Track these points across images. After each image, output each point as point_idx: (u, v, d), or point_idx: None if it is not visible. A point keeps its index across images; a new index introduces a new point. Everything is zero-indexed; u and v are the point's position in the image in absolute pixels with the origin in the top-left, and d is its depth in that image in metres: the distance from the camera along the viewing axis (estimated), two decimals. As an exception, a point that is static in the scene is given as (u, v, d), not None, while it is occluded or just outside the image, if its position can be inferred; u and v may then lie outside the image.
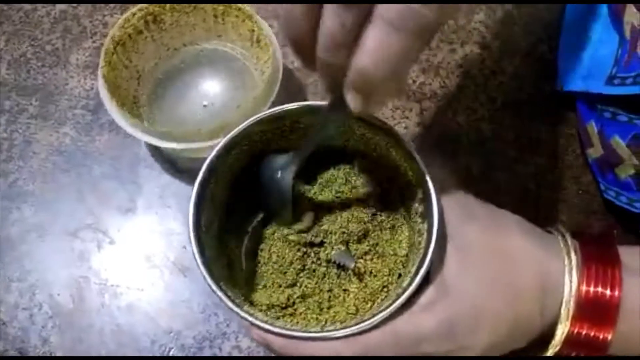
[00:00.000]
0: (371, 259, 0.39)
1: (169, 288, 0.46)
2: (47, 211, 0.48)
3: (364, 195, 0.39)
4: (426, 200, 0.34)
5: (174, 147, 0.42)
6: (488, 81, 0.52)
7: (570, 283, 0.31)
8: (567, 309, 0.31)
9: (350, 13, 0.23)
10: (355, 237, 0.39)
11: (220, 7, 0.46)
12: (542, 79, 0.52)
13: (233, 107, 0.49)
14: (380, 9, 0.23)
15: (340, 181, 0.40)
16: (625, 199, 0.45)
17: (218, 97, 0.50)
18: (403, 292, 0.31)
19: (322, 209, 0.39)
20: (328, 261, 0.39)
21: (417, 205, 0.36)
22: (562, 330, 0.32)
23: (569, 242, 0.33)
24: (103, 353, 0.44)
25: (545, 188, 0.49)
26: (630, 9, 0.43)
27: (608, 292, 0.31)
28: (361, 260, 0.38)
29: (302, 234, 0.39)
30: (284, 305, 0.37)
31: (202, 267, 0.32)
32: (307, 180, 0.40)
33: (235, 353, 0.44)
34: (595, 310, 0.31)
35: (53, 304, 0.46)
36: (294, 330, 0.32)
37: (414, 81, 0.52)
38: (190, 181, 0.49)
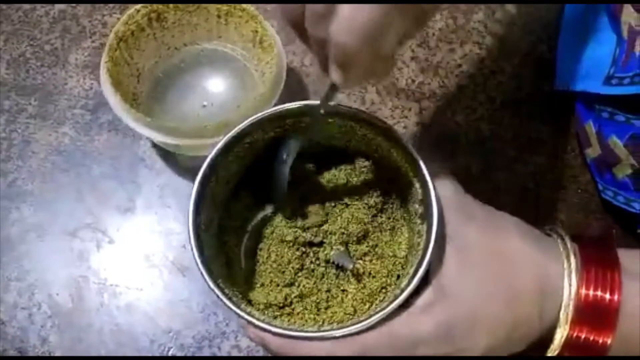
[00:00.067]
0: (370, 260, 0.39)
1: (168, 288, 0.46)
2: (46, 211, 0.48)
3: (364, 196, 0.39)
4: (426, 201, 0.34)
5: (178, 143, 0.42)
6: (487, 81, 0.53)
7: (570, 286, 0.31)
8: (566, 313, 0.31)
9: None
10: (355, 238, 0.39)
11: (224, 7, 0.46)
12: (541, 78, 0.52)
13: (232, 108, 0.49)
14: None
15: (341, 182, 0.40)
16: (623, 198, 0.45)
17: (217, 97, 0.50)
18: (401, 293, 0.31)
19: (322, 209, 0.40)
20: (327, 261, 0.39)
21: (417, 206, 0.36)
22: (561, 334, 0.31)
23: (568, 245, 0.33)
24: (102, 353, 0.44)
25: (545, 187, 0.49)
26: (628, 9, 0.43)
27: (607, 296, 0.31)
28: (360, 261, 0.39)
29: (301, 233, 0.39)
30: (281, 305, 0.37)
31: (200, 265, 0.32)
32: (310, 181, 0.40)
33: (235, 352, 0.44)
34: (594, 314, 0.31)
35: (52, 304, 0.46)
36: (291, 329, 0.32)
37: (413, 81, 0.53)
38: (190, 181, 0.49)
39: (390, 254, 0.39)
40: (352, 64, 0.26)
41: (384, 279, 0.38)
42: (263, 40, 0.45)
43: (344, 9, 0.24)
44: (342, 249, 0.38)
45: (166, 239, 0.48)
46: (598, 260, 0.32)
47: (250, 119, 0.35)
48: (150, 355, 0.44)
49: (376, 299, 0.37)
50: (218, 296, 0.32)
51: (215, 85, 0.50)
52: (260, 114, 0.36)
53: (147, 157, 0.50)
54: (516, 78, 0.52)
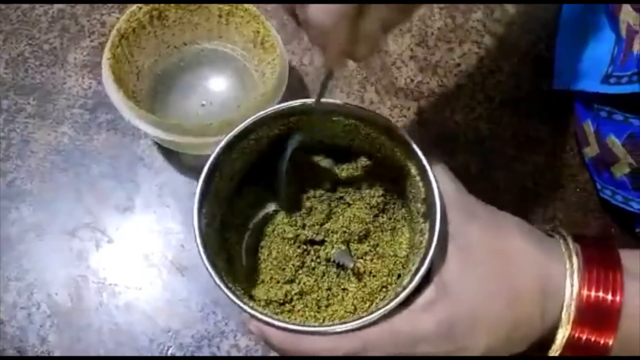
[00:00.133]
0: (371, 260, 0.39)
1: (167, 287, 0.46)
2: (45, 210, 0.48)
3: (366, 195, 0.39)
4: (429, 200, 0.34)
5: (180, 141, 0.42)
6: (486, 80, 0.53)
7: (572, 287, 0.31)
8: (568, 313, 0.31)
9: None
10: (356, 237, 0.39)
11: (226, 7, 0.46)
12: (539, 77, 0.52)
13: (232, 108, 0.49)
14: None
15: (344, 181, 0.40)
16: (621, 197, 0.45)
17: (217, 97, 0.50)
18: (403, 290, 0.31)
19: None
20: (328, 260, 0.39)
21: (419, 205, 0.36)
22: (562, 335, 0.31)
23: (571, 245, 0.33)
24: (101, 352, 0.44)
25: (543, 186, 0.49)
26: (626, 8, 0.43)
27: (609, 296, 0.31)
28: (361, 260, 0.39)
29: (302, 231, 0.39)
30: (282, 301, 0.37)
31: (205, 259, 0.32)
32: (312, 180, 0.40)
33: (234, 352, 0.45)
34: (596, 315, 0.31)
35: (51, 303, 0.46)
36: (294, 323, 0.32)
37: (412, 80, 0.53)
38: (189, 180, 0.49)
39: (391, 253, 0.39)
40: (328, 43, 0.27)
41: (384, 278, 0.38)
42: (265, 40, 0.45)
43: None
44: (343, 247, 0.39)
45: (165, 239, 0.48)
46: (600, 261, 0.32)
47: (255, 116, 0.35)
48: (149, 354, 0.44)
49: (376, 297, 0.37)
50: (222, 289, 0.31)
51: (215, 85, 0.50)
52: (265, 111, 0.36)
53: (146, 156, 0.50)
54: (515, 77, 0.52)
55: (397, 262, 0.38)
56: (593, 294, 0.31)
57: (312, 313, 0.37)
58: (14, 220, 0.48)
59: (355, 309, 0.37)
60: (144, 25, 0.46)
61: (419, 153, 0.34)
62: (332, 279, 0.39)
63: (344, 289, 0.38)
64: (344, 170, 0.40)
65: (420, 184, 0.35)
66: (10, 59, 0.53)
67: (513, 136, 0.51)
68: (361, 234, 0.39)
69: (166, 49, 0.49)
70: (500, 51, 0.54)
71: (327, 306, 0.38)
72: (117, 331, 0.45)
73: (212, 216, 0.36)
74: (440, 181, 0.34)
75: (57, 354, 0.44)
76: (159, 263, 0.47)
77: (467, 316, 0.31)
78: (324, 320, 0.37)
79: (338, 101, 0.36)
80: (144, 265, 0.47)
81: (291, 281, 0.38)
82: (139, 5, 0.45)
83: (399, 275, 0.38)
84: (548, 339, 0.32)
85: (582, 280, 0.31)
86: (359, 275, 0.38)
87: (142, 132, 0.48)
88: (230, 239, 0.39)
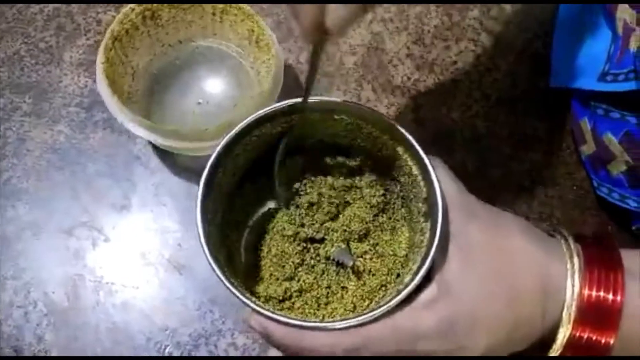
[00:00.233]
0: (370, 258, 0.39)
1: (164, 285, 0.46)
2: (41, 209, 0.48)
3: (367, 194, 0.39)
4: (430, 199, 0.34)
5: (176, 146, 0.42)
6: (482, 78, 0.53)
7: (572, 287, 0.31)
8: (568, 313, 0.31)
9: None
10: (356, 236, 0.39)
11: (220, 6, 0.46)
12: (536, 75, 0.52)
13: (228, 106, 0.49)
14: None
15: (345, 180, 0.40)
16: (618, 195, 0.45)
17: (213, 95, 0.49)
18: (405, 288, 0.31)
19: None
20: (327, 258, 0.39)
21: (420, 205, 0.36)
22: (563, 334, 0.31)
23: (572, 245, 0.33)
24: (98, 351, 0.44)
25: (540, 184, 0.49)
26: (623, 5, 0.43)
27: (610, 296, 0.31)
28: (360, 259, 0.39)
29: (302, 229, 0.39)
30: (281, 298, 0.37)
31: (207, 253, 0.32)
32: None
33: (231, 350, 0.45)
34: (597, 315, 0.31)
35: (48, 302, 0.45)
36: (295, 319, 0.32)
37: (409, 78, 0.53)
38: (186, 179, 0.49)
39: (391, 252, 0.39)
40: (299, 13, 0.28)
41: (383, 277, 0.38)
42: (259, 39, 0.45)
43: None
44: (343, 246, 0.39)
45: (162, 237, 0.48)
46: (601, 261, 0.32)
47: (256, 114, 0.35)
48: (146, 353, 0.44)
49: (375, 296, 0.38)
50: (225, 284, 0.31)
51: (211, 82, 0.50)
52: (265, 110, 0.36)
53: (143, 155, 0.50)
54: (511, 75, 0.53)
55: (397, 261, 0.38)
56: (594, 293, 0.31)
57: (312, 311, 0.37)
58: (10, 218, 0.48)
59: (355, 307, 0.37)
60: (137, 26, 0.45)
61: (421, 153, 0.34)
62: (332, 277, 0.39)
63: (343, 287, 0.38)
64: (345, 169, 0.40)
65: (422, 183, 0.35)
66: (6, 58, 0.53)
67: (510, 134, 0.51)
68: (361, 233, 0.39)
69: (161, 47, 0.49)
70: (497, 49, 0.54)
71: (326, 304, 0.38)
72: (114, 330, 0.45)
73: (213, 212, 0.36)
74: (441, 181, 0.34)
75: (53, 352, 0.44)
76: (155, 262, 0.47)
77: (467, 315, 0.31)
78: (323, 318, 0.37)
79: (340, 99, 0.36)
80: (141, 263, 0.47)
81: (291, 278, 0.38)
82: (132, 6, 0.44)
83: (398, 275, 0.38)
84: (549, 338, 0.32)
85: (583, 280, 0.31)
86: (358, 274, 0.38)
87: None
88: (231, 236, 0.39)
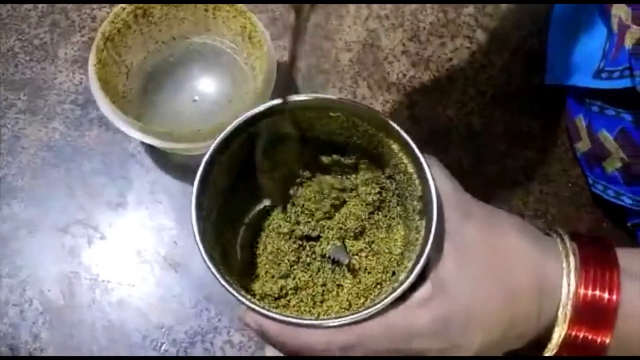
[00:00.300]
0: (366, 256, 0.39)
1: (160, 283, 0.46)
2: (37, 207, 0.48)
3: (363, 192, 0.40)
4: (425, 197, 0.34)
5: (169, 147, 0.42)
6: (477, 75, 0.53)
7: (568, 286, 0.31)
8: (564, 312, 0.31)
9: None
10: (352, 234, 0.39)
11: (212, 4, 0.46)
12: (531, 72, 0.52)
13: (223, 103, 0.49)
14: None
15: (341, 178, 0.40)
16: (613, 192, 0.45)
17: (208, 92, 0.49)
18: (400, 286, 0.31)
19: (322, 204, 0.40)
20: (323, 256, 0.39)
21: (415, 203, 0.36)
22: (559, 333, 0.31)
23: (568, 244, 0.33)
24: (94, 349, 0.44)
25: (535, 181, 0.49)
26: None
27: (606, 295, 0.31)
28: (356, 257, 0.39)
29: (298, 226, 0.39)
30: (276, 296, 0.37)
31: (202, 251, 0.32)
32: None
33: (227, 348, 0.45)
34: (593, 314, 0.31)
35: (44, 300, 0.45)
36: (291, 316, 0.32)
37: (404, 75, 0.53)
38: (181, 177, 0.49)
39: (386, 250, 0.39)
40: None
41: (379, 275, 0.38)
42: (252, 36, 0.45)
43: None
44: (338, 244, 0.39)
45: (158, 235, 0.48)
46: (597, 260, 0.32)
47: (251, 111, 0.35)
48: (142, 350, 0.44)
49: (371, 294, 0.38)
50: (220, 282, 0.31)
51: (206, 79, 0.50)
52: (261, 107, 0.35)
53: (138, 153, 0.50)
54: (506, 72, 0.52)
55: (392, 259, 0.39)
56: (590, 292, 0.31)
57: (307, 308, 0.37)
58: (6, 217, 0.48)
59: (350, 305, 0.37)
60: (129, 25, 0.45)
61: (417, 151, 0.34)
62: (327, 275, 0.39)
63: (338, 285, 0.39)
64: (341, 167, 0.40)
65: (417, 181, 0.35)
66: (0, 54, 0.53)
67: (505, 131, 0.51)
68: (357, 231, 0.39)
69: (154, 45, 0.49)
70: (492, 46, 0.54)
71: (321, 302, 0.38)
72: (110, 328, 0.45)
73: (209, 210, 0.36)
74: (437, 179, 0.34)
75: (49, 350, 0.44)
76: (151, 259, 0.47)
77: (462, 313, 0.31)
78: (318, 316, 0.37)
79: (335, 97, 0.36)
80: (137, 261, 0.47)
81: (286, 276, 0.38)
82: (123, 5, 0.44)
83: (394, 273, 0.38)
84: (544, 337, 0.32)
85: (579, 279, 0.31)
86: (353, 272, 0.38)
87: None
88: (226, 233, 0.39)
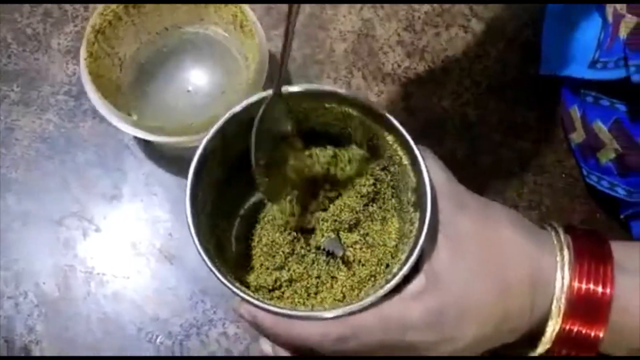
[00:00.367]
0: (360, 249, 0.39)
1: (155, 276, 0.46)
2: (31, 199, 0.48)
3: (357, 184, 0.39)
4: (419, 189, 0.34)
5: (162, 141, 0.42)
6: (472, 65, 0.52)
7: (562, 279, 0.31)
8: (558, 306, 0.31)
9: None
10: (346, 226, 0.39)
11: None
12: (526, 62, 0.52)
13: (217, 93, 0.48)
14: None
15: (335, 169, 0.40)
16: (607, 183, 0.45)
17: (202, 82, 0.49)
18: (393, 278, 0.31)
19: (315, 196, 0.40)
20: (317, 248, 0.39)
21: (410, 194, 0.36)
22: (552, 327, 0.32)
23: (562, 238, 0.33)
24: (90, 341, 0.44)
25: (530, 172, 0.49)
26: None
27: (600, 289, 0.31)
28: (350, 249, 0.39)
29: (292, 218, 0.39)
30: (271, 288, 0.37)
31: (197, 243, 0.32)
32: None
33: (222, 340, 0.45)
34: (586, 308, 0.31)
35: (39, 293, 0.46)
36: (284, 308, 0.32)
37: (399, 65, 0.52)
38: (176, 169, 0.49)
39: (381, 243, 0.39)
40: None
41: (373, 267, 0.38)
42: (244, 25, 0.44)
43: None
44: (333, 236, 0.39)
45: (153, 227, 0.48)
46: (591, 254, 0.32)
47: (243, 102, 0.35)
48: (137, 343, 0.45)
49: (365, 286, 0.38)
50: (215, 274, 0.31)
51: (199, 70, 0.49)
52: (253, 97, 0.35)
53: (133, 144, 0.50)
54: (501, 62, 0.52)
55: (386, 251, 0.39)
56: (584, 286, 0.31)
57: (301, 300, 0.37)
58: (0, 209, 0.48)
59: (344, 297, 0.37)
60: (120, 17, 0.45)
61: (411, 142, 0.34)
62: (322, 266, 0.39)
63: (333, 277, 0.39)
64: (336, 159, 0.40)
65: (412, 173, 0.35)
66: (-8, 45, 0.52)
67: (500, 122, 0.51)
68: (351, 223, 0.39)
69: (147, 35, 0.48)
70: (487, 36, 0.53)
71: (316, 293, 0.38)
72: (105, 320, 0.45)
73: (203, 202, 0.36)
74: (431, 171, 0.34)
75: (45, 343, 0.44)
76: (146, 252, 0.47)
77: (456, 306, 0.31)
78: (312, 307, 0.37)
79: (331, 88, 0.36)
80: (132, 254, 0.47)
81: (281, 268, 0.38)
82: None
83: (388, 265, 0.38)
84: (537, 331, 0.33)
85: (572, 272, 0.31)
86: (348, 264, 0.38)
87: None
88: (221, 225, 0.39)
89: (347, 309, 0.31)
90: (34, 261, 0.46)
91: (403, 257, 0.33)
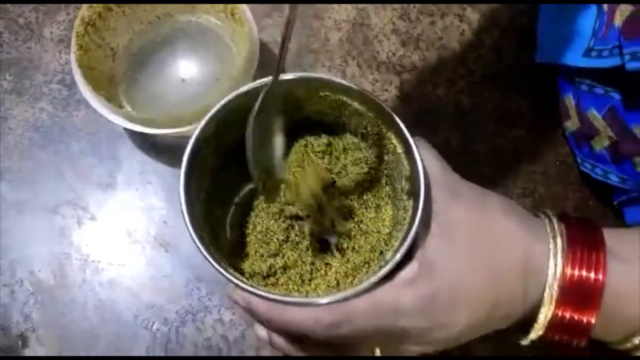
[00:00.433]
0: (354, 236, 0.39)
1: (150, 263, 0.46)
2: (25, 188, 0.48)
3: (352, 172, 0.40)
4: (413, 177, 0.34)
5: (155, 133, 0.42)
6: (467, 53, 0.52)
7: (555, 267, 0.31)
8: (550, 293, 0.31)
9: None
10: (341, 214, 0.39)
11: None
12: (521, 51, 0.52)
13: (211, 82, 0.48)
14: None
15: (329, 158, 0.40)
16: (601, 170, 0.45)
17: (196, 71, 0.49)
18: (386, 264, 0.32)
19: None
20: (311, 235, 0.39)
21: (403, 182, 0.36)
22: (545, 314, 0.32)
23: (555, 225, 0.33)
24: (86, 328, 0.45)
25: (523, 160, 0.50)
26: (608, -20, 0.43)
27: (592, 275, 0.31)
28: (344, 236, 0.39)
29: (287, 206, 0.39)
30: (265, 274, 0.37)
31: (191, 230, 0.32)
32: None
33: (218, 326, 0.45)
34: (579, 294, 0.31)
35: (34, 281, 0.46)
36: (278, 294, 0.32)
37: (394, 54, 0.52)
38: (171, 157, 0.49)
39: (374, 230, 0.39)
40: None
41: (367, 254, 0.38)
42: (234, 12, 0.44)
43: None
44: (327, 223, 0.39)
45: (148, 215, 0.48)
46: (584, 241, 0.32)
47: (236, 91, 0.35)
48: (134, 330, 0.45)
49: (359, 273, 0.38)
50: (209, 261, 0.32)
51: (193, 58, 0.49)
52: (246, 86, 0.35)
53: (127, 133, 0.50)
54: (496, 51, 0.52)
55: (380, 239, 0.39)
56: (576, 272, 0.31)
57: (295, 287, 0.38)
58: (-6, 198, 0.48)
59: (338, 284, 0.37)
60: (110, 7, 0.44)
61: (405, 131, 0.34)
62: (316, 253, 0.39)
63: (327, 264, 0.39)
64: (330, 147, 0.40)
65: (405, 161, 0.35)
66: (-15, 34, 0.52)
67: (494, 110, 0.51)
68: (345, 211, 0.39)
69: (139, 25, 0.48)
70: (482, 24, 0.53)
71: (310, 280, 0.38)
72: (101, 307, 0.45)
73: (198, 190, 0.36)
74: (425, 159, 0.34)
75: (41, 330, 0.44)
76: (142, 239, 0.47)
77: (448, 292, 0.31)
78: (307, 294, 0.37)
79: (326, 76, 0.36)
80: (127, 241, 0.47)
81: (275, 255, 0.38)
82: None
83: (382, 252, 0.38)
84: (530, 318, 0.33)
85: (565, 259, 0.31)
86: (342, 251, 0.39)
87: (122, 108, 0.47)
88: (216, 213, 0.39)
89: (340, 295, 0.31)
90: (29, 249, 0.46)
91: (396, 244, 0.33)
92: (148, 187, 0.48)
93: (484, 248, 0.32)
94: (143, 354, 0.44)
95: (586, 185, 0.49)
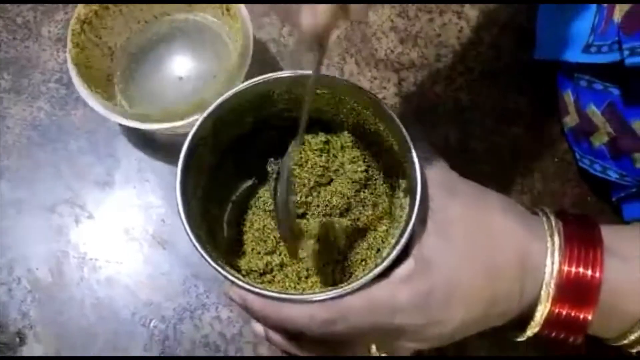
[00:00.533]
0: (351, 233, 0.39)
1: (148, 261, 0.46)
2: (24, 187, 0.48)
3: (349, 170, 0.40)
4: (410, 175, 0.34)
5: (152, 128, 0.42)
6: (466, 51, 0.52)
7: (552, 265, 0.31)
8: (547, 291, 0.31)
9: None
10: (338, 211, 0.39)
11: None
12: (520, 49, 0.52)
13: (209, 79, 0.48)
14: None
15: (327, 155, 0.40)
16: (599, 166, 0.45)
17: (193, 69, 0.49)
18: (382, 262, 0.31)
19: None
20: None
21: (400, 180, 0.36)
22: (542, 311, 0.32)
23: (553, 223, 0.33)
24: (83, 325, 0.45)
25: (522, 157, 0.49)
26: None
27: (589, 272, 0.31)
28: (342, 234, 0.39)
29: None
30: (262, 272, 0.37)
31: (188, 228, 0.32)
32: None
33: (216, 323, 0.45)
34: (576, 291, 0.31)
35: (32, 279, 0.46)
36: (273, 291, 0.32)
37: (392, 51, 0.52)
38: (168, 155, 0.49)
39: (371, 228, 0.39)
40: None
41: (364, 252, 0.38)
42: (229, 8, 0.44)
43: None
44: (324, 221, 0.39)
45: (145, 213, 0.48)
46: (581, 238, 0.32)
47: (233, 89, 0.35)
48: (131, 327, 0.45)
49: (356, 270, 0.38)
50: (205, 258, 0.32)
51: (191, 56, 0.49)
52: (243, 85, 0.35)
53: (124, 131, 0.50)
54: (495, 48, 0.52)
55: (377, 236, 0.39)
56: (573, 269, 0.31)
57: (292, 284, 0.38)
58: (-8, 196, 0.48)
59: (335, 281, 0.37)
60: (107, 6, 0.44)
61: (402, 128, 0.34)
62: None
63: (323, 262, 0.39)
64: (327, 145, 0.40)
65: (402, 159, 0.35)
66: (-17, 33, 0.52)
67: (492, 107, 0.50)
68: (342, 208, 0.39)
69: (137, 24, 0.48)
70: (481, 22, 0.53)
71: (306, 277, 0.38)
72: (99, 305, 0.45)
73: (194, 188, 0.36)
74: (422, 157, 0.34)
75: (38, 328, 0.45)
76: (139, 237, 0.47)
77: (444, 289, 0.31)
78: (303, 291, 0.37)
79: (324, 74, 0.36)
80: (125, 239, 0.47)
81: (272, 252, 0.38)
82: None
83: (378, 250, 0.38)
84: (526, 316, 0.33)
85: (562, 257, 0.31)
86: (339, 249, 0.39)
87: (120, 106, 0.48)
88: (213, 210, 0.39)
89: (336, 292, 0.31)
90: (27, 247, 0.46)
91: (393, 241, 0.33)
92: (146, 185, 0.48)
93: (481, 246, 0.32)
94: (141, 351, 0.44)
95: (584, 181, 0.49)
